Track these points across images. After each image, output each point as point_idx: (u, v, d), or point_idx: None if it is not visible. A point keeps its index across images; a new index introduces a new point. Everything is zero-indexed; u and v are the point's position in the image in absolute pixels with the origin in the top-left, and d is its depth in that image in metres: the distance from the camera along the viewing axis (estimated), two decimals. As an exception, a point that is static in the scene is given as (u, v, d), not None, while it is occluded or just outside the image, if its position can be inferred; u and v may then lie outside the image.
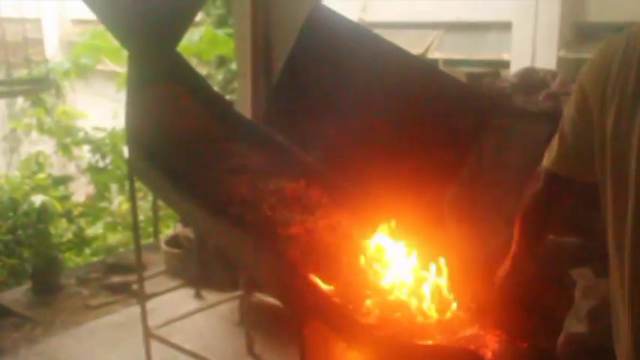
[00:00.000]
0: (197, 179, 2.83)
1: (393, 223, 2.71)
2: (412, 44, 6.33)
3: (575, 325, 2.93)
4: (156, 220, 5.51)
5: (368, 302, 2.43)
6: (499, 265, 3.15)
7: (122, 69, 7.14)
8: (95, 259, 6.02)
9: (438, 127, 2.88)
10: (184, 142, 3.01)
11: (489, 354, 2.31)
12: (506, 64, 6.02)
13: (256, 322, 3.70)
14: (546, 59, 5.70)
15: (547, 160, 2.00)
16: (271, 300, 3.55)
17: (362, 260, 2.59)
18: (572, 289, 3.01)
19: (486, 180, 3.38)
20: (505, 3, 6.12)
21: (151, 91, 3.08)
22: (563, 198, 2.15)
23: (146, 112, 3.05)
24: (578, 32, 5.92)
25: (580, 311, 2.90)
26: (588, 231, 3.32)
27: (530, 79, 3.90)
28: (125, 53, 3.16)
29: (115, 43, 3.28)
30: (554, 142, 1.98)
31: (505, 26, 6.21)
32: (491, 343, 2.38)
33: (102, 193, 7.04)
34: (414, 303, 2.46)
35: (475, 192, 3.33)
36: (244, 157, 3.06)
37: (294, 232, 2.63)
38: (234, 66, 6.89)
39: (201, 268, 4.40)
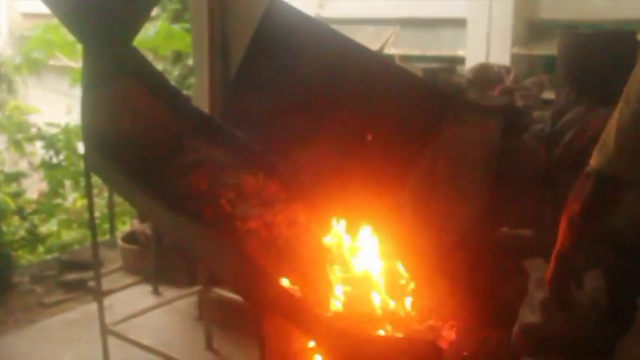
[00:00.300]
0: (154, 174, 2.80)
1: (351, 217, 2.74)
2: (369, 40, 6.37)
3: (528, 316, 2.99)
4: (112, 217, 5.45)
5: (327, 296, 2.45)
6: (455, 255, 3.21)
7: (76, 64, 7.03)
8: (49, 256, 5.92)
9: (396, 120, 2.91)
10: (141, 137, 2.97)
11: (447, 344, 2.35)
12: (461, 60, 6.09)
13: (215, 318, 3.69)
14: (500, 55, 5.79)
15: (596, 161, 1.94)
16: (230, 295, 3.54)
17: (321, 254, 2.62)
18: (526, 280, 3.08)
19: (443, 173, 3.44)
20: (459, 0, 6.20)
21: (107, 86, 3.03)
22: (616, 200, 2.01)
23: (102, 107, 3.01)
24: (531, 29, 6.02)
25: (533, 301, 2.97)
26: (540, 223, 3.40)
27: (485, 75, 3.96)
28: (79, 48, 3.11)
29: (69, 37, 3.24)
30: (605, 141, 1.93)
31: (460, 23, 6.28)
32: (449, 334, 2.43)
33: (56, 190, 6.91)
34: (372, 296, 2.49)
35: (433, 184, 3.38)
36: (202, 152, 3.04)
37: (253, 227, 2.64)
38: (190, 61, 6.85)
39: (158, 264, 4.37)
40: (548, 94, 4.12)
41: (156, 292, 4.40)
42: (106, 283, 3.40)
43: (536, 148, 3.39)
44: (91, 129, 3.00)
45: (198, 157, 2.99)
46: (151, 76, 3.23)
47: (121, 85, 3.08)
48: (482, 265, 3.22)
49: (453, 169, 3.48)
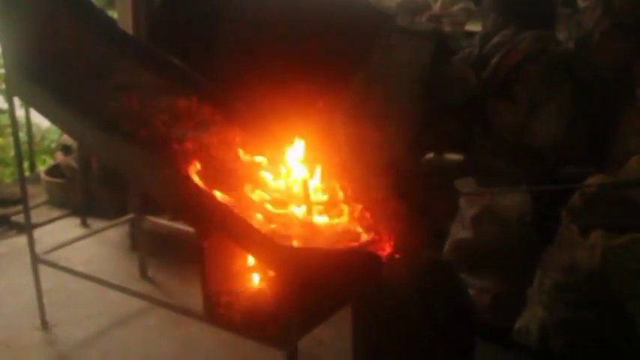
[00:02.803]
0: (84, 97, 2.73)
1: (286, 138, 2.74)
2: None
3: (460, 232, 3.11)
4: (31, 152, 5.29)
5: (268, 213, 2.47)
6: (387, 176, 3.26)
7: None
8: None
9: (330, 43, 2.90)
10: (68, 60, 2.88)
11: (385, 256, 2.41)
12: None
13: (148, 247, 3.66)
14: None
15: None
16: (162, 222, 3.51)
17: (259, 174, 2.63)
18: (457, 198, 3.19)
19: (375, 97, 3.47)
20: None
21: (29, 8, 2.90)
22: None
23: (24, 29, 2.89)
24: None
25: (464, 218, 3.08)
26: (469, 145, 3.50)
27: (414, 1, 3.99)
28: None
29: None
30: None
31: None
32: (387, 247, 2.49)
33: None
34: (312, 212, 2.52)
35: (364, 109, 3.42)
36: (132, 74, 2.97)
37: (189, 148, 2.61)
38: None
39: (86, 196, 4.28)
40: (474, 26, 4.20)
41: (84, 224, 4.31)
42: (32, 218, 3.29)
43: (464, 71, 3.47)
44: (13, 51, 2.88)
45: (128, 80, 2.92)
46: (75, -2, 3.10)
47: (43, 7, 2.95)
48: (413, 187, 3.30)
49: (384, 93, 3.52)
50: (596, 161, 3.10)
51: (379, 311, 2.40)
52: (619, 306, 2.54)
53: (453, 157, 3.76)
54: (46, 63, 2.82)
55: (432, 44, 3.50)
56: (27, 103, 3.13)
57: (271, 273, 2.43)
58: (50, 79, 2.77)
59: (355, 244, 2.46)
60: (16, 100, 3.03)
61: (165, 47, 3.14)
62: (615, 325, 2.55)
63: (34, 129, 5.38)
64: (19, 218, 4.17)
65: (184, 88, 2.96)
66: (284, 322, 2.28)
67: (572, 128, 3.17)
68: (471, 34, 4.08)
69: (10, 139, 5.56)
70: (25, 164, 5.67)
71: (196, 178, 2.43)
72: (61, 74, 2.82)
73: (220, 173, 2.59)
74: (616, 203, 2.68)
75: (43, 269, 3.25)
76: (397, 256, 2.46)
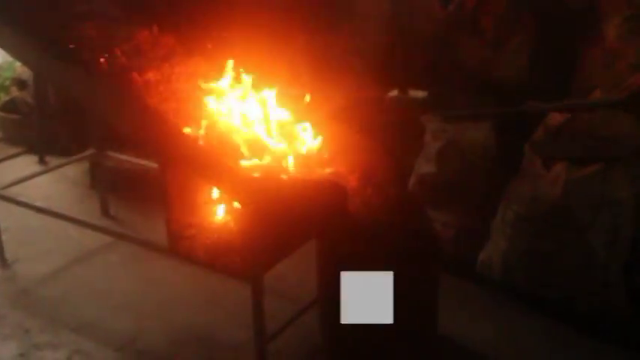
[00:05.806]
0: (41, 26, 2.62)
1: (250, 70, 2.69)
2: None
3: (424, 166, 3.11)
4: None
5: (231, 145, 2.43)
6: (352, 111, 3.23)
7: None
8: None
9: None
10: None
11: (349, 187, 2.40)
12: None
13: (109, 184, 3.59)
14: None
15: None
16: (124, 158, 3.43)
17: (223, 105, 2.57)
18: (422, 132, 3.18)
19: (341, 30, 3.42)
20: None
21: None
22: None
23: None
24: None
25: (429, 152, 3.08)
26: (435, 82, 3.48)
27: None
28: None
29: None
30: None
31: None
32: (351, 179, 2.48)
33: None
34: (276, 144, 2.49)
35: (331, 41, 3.36)
36: (90, 3, 2.87)
37: (151, 78, 2.54)
38: None
39: (43, 132, 4.14)
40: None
41: (42, 161, 4.17)
42: (-14, 156, 3.19)
43: (432, 6, 3.43)
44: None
45: (85, 9, 2.82)
46: None
47: None
48: (377, 122, 3.28)
49: (350, 27, 3.47)
50: (561, 95, 3.10)
51: (343, 244, 2.39)
52: (580, 236, 2.58)
53: (418, 93, 3.74)
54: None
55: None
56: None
57: (235, 205, 2.40)
58: (5, 8, 2.66)
59: (321, 174, 2.45)
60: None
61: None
62: (576, 254, 2.60)
63: (-15, 66, 5.20)
64: (-26, 156, 4.05)
65: (145, 19, 2.86)
66: (249, 255, 2.26)
67: (537, 62, 3.16)
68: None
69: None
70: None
71: (158, 109, 2.37)
72: (17, 3, 2.71)
73: (183, 104, 2.53)
74: (578, 136, 2.70)
75: (1, 207, 3.18)
76: (362, 189, 2.45)
